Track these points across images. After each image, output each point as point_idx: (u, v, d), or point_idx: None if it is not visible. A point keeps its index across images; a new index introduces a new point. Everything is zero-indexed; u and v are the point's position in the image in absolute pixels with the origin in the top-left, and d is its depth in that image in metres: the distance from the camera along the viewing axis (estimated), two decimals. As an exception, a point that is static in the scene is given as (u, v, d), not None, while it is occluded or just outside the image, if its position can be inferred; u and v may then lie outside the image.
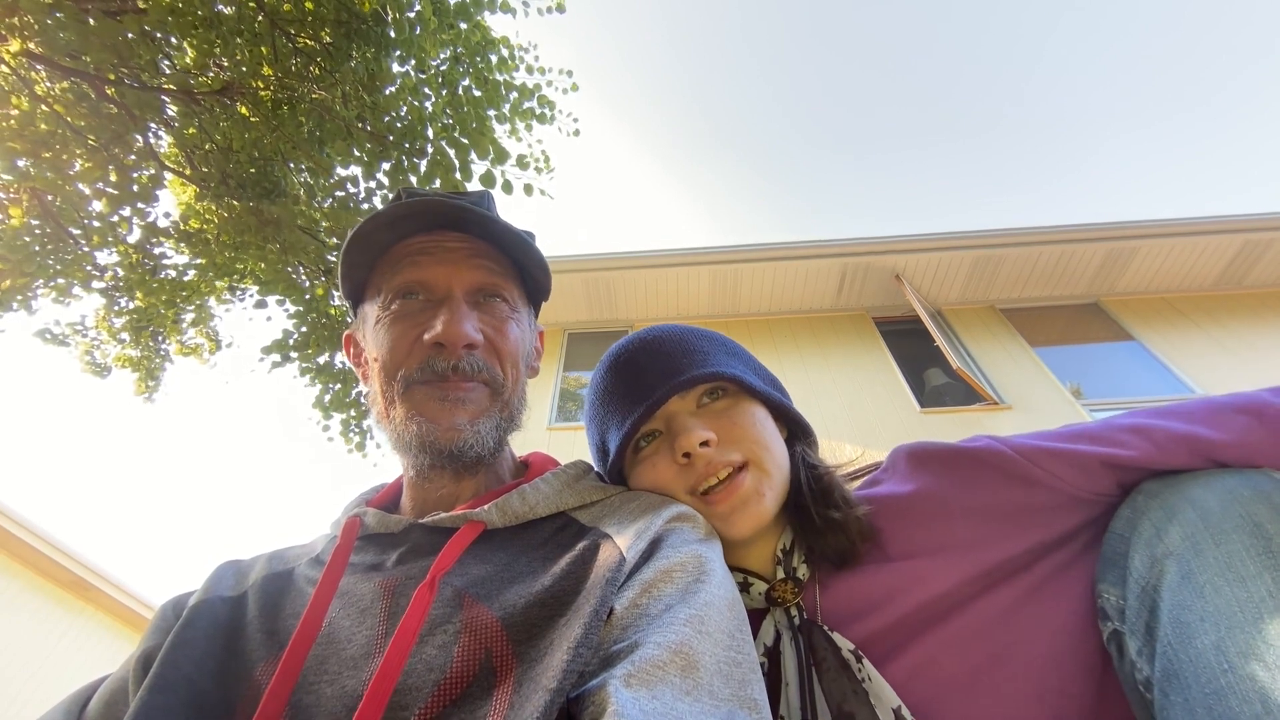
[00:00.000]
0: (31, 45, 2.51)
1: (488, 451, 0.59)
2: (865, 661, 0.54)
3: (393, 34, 2.73)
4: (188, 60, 2.98)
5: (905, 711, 0.51)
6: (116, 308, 3.83)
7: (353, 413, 3.89)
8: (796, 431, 0.73)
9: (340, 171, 3.30)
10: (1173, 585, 0.47)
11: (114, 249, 3.36)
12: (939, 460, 0.63)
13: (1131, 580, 0.50)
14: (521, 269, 0.69)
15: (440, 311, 0.59)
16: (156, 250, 3.49)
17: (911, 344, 5.25)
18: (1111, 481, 0.56)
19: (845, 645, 0.56)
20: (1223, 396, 0.54)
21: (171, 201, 3.81)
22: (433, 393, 0.58)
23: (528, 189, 3.08)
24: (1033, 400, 4.53)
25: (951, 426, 4.41)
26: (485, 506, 0.57)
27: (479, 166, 2.98)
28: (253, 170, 3.02)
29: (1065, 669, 0.53)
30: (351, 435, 3.98)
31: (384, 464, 4.30)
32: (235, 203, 3.14)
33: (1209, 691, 0.42)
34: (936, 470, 0.63)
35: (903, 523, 0.62)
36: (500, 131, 3.35)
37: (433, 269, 0.62)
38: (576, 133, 3.63)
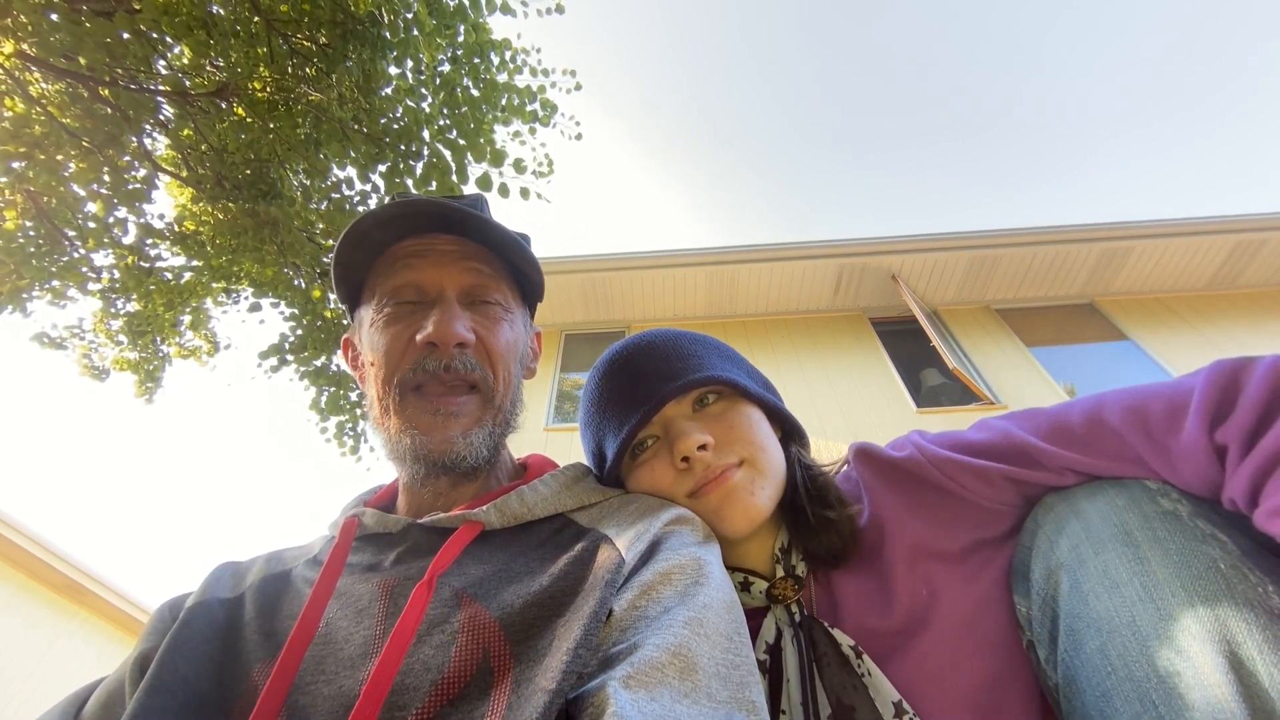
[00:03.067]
0: (25, 46, 2.50)
1: (482, 461, 0.60)
2: (865, 657, 0.55)
3: (388, 36, 2.73)
4: (183, 61, 2.97)
5: (906, 705, 0.52)
6: (114, 310, 3.81)
7: (346, 417, 3.88)
8: (790, 433, 0.73)
9: (336, 174, 3.30)
10: (1065, 595, 0.49)
11: (109, 251, 3.35)
12: (877, 466, 0.66)
13: (1034, 592, 0.53)
14: (516, 271, 0.69)
15: (432, 312, 0.59)
16: (152, 252, 3.48)
17: (908, 344, 5.26)
18: (1016, 494, 0.58)
19: (845, 641, 0.57)
20: (1108, 406, 0.54)
21: (168, 203, 3.80)
22: (425, 406, 0.58)
23: (524, 192, 3.07)
24: (1028, 400, 4.54)
25: (948, 427, 4.41)
26: (484, 507, 0.57)
27: (475, 169, 2.98)
28: (248, 172, 3.02)
29: (1013, 670, 0.55)
30: (346, 439, 3.96)
31: (378, 468, 4.29)
32: (231, 205, 3.13)
33: (1098, 694, 0.45)
34: (880, 476, 0.65)
35: (869, 520, 0.63)
36: (503, 134, 3.34)
37: (425, 271, 0.62)
38: (579, 136, 3.63)
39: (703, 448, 0.62)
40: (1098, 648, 0.45)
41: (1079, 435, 0.54)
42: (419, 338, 0.58)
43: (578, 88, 3.60)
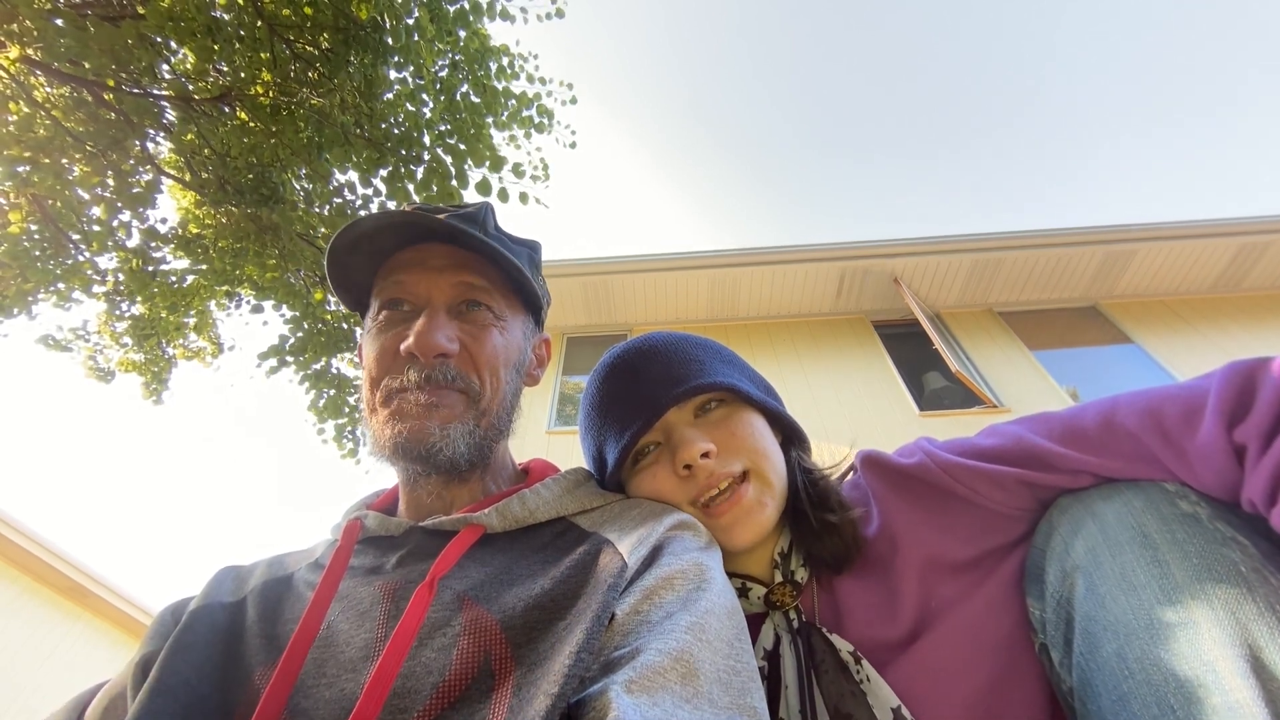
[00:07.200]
0: (31, 51, 2.52)
1: (460, 457, 0.59)
2: (864, 662, 0.55)
3: (390, 41, 2.74)
4: (187, 65, 2.98)
5: (905, 711, 0.51)
6: (118, 313, 3.83)
7: (345, 420, 3.90)
8: (791, 437, 0.73)
9: (338, 178, 3.31)
10: (1081, 597, 0.48)
11: (113, 254, 3.37)
12: (885, 474, 0.65)
13: (1048, 594, 0.52)
14: (516, 279, 0.69)
15: (417, 322, 0.60)
16: (156, 255, 3.50)
17: (910, 347, 5.25)
18: (1030, 498, 0.57)
19: (844, 646, 0.56)
20: (1122, 408, 0.53)
21: (171, 207, 3.83)
22: (408, 398, 0.59)
23: (523, 197, 3.08)
24: (1031, 403, 4.53)
25: (950, 430, 4.41)
26: (485, 510, 0.57)
27: (475, 174, 2.99)
28: (250, 176, 3.03)
29: (1017, 674, 0.54)
30: (345, 441, 3.98)
31: (376, 470, 4.30)
32: (234, 209, 3.15)
33: (1115, 699, 0.44)
34: (889, 484, 0.64)
35: (878, 529, 0.63)
36: (499, 139, 3.36)
37: (417, 282, 0.63)
38: (573, 145, 3.65)
39: (705, 455, 0.62)
40: (1115, 651, 0.45)
41: (1093, 438, 0.54)
42: (401, 348, 0.59)
43: (573, 100, 3.62)
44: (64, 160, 2.73)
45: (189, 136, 3.08)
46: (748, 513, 0.62)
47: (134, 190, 2.94)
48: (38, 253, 3.05)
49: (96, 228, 3.13)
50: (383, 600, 0.50)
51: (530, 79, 3.47)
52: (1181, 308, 5.24)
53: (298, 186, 3.33)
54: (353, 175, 3.23)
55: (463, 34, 3.10)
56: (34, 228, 3.06)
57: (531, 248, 0.75)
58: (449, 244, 0.65)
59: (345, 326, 3.76)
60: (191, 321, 4.15)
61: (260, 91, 2.92)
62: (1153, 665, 0.42)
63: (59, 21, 2.28)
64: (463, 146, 3.01)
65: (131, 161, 2.96)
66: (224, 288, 3.80)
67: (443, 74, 3.15)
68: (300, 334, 3.71)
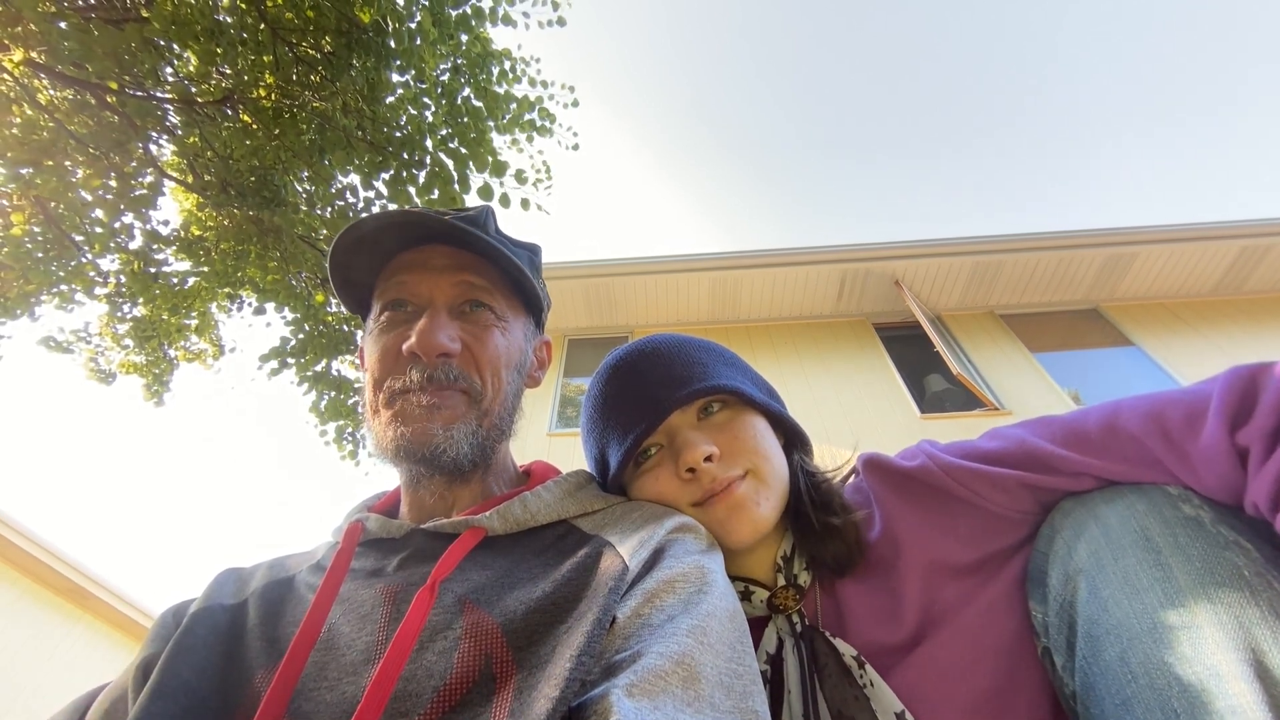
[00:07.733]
0: (35, 54, 2.53)
1: (463, 457, 0.60)
2: (868, 667, 0.55)
3: (392, 44, 2.75)
4: (190, 69, 2.99)
5: (908, 715, 0.51)
6: (120, 314, 3.84)
7: (346, 421, 3.91)
8: (794, 440, 0.73)
9: (340, 181, 3.32)
10: (1084, 601, 0.48)
11: (116, 256, 3.38)
12: (887, 477, 0.65)
13: (1051, 597, 0.52)
14: (517, 281, 0.70)
15: (419, 322, 0.61)
16: (158, 256, 3.51)
17: (912, 349, 5.25)
18: (1033, 501, 0.57)
19: (847, 651, 0.56)
20: (1124, 411, 0.53)
21: (174, 209, 3.84)
22: (411, 399, 0.59)
23: (524, 203, 3.09)
24: (1032, 406, 4.53)
25: (952, 432, 4.40)
26: (486, 513, 0.57)
27: (477, 179, 2.99)
28: (253, 179, 3.04)
29: (1020, 678, 0.54)
30: (345, 443, 3.99)
31: (375, 473, 4.32)
32: (236, 211, 3.16)
33: (1118, 702, 0.44)
34: (891, 487, 0.64)
35: (881, 532, 0.63)
36: (500, 143, 3.36)
37: (419, 283, 0.64)
38: (576, 147, 3.65)
39: (709, 459, 0.62)
40: (1118, 655, 0.44)
41: (1096, 440, 0.53)
42: (404, 348, 0.60)
43: (575, 104, 3.62)
44: (67, 163, 2.73)
45: (191, 139, 3.09)
46: (740, 506, 0.62)
47: (136, 192, 2.95)
48: (40, 254, 3.06)
49: (99, 230, 3.14)
50: (384, 603, 0.50)
51: (532, 83, 3.47)
52: (1183, 310, 5.24)
53: (300, 189, 3.34)
54: (354, 178, 3.24)
55: (464, 38, 3.11)
56: (37, 229, 3.07)
57: (532, 251, 0.76)
58: (451, 245, 0.65)
59: (346, 329, 3.76)
60: (193, 323, 4.17)
61: (263, 94, 2.93)
62: (1156, 669, 0.42)
63: (63, 25, 2.29)
64: (464, 151, 3.02)
65: (134, 164, 2.97)
66: (225, 290, 3.81)
67: (444, 78, 3.16)
68: (301, 336, 3.72)
